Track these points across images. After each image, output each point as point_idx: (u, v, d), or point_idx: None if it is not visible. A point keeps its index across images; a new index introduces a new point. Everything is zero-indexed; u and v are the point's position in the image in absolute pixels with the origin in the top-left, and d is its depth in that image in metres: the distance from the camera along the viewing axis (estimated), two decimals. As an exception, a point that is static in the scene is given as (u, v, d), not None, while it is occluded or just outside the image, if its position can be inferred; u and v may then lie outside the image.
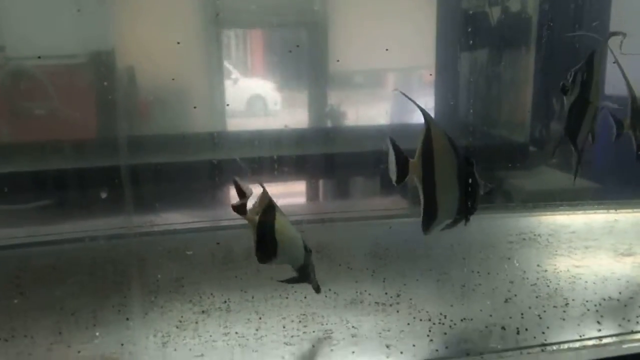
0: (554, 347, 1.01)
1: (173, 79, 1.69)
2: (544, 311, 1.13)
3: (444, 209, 1.03)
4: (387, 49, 1.72)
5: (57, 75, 1.64)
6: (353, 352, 0.99)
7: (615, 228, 1.63)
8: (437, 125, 0.98)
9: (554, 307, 1.15)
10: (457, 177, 1.01)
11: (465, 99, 1.95)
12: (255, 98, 1.91)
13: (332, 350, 1.00)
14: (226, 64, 1.81)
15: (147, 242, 1.55)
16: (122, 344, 1.02)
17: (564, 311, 1.13)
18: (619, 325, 1.08)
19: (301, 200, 1.96)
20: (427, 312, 1.13)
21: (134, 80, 1.70)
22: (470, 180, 1.02)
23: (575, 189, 1.80)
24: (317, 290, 1.06)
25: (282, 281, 1.05)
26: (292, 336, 1.04)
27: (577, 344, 1.02)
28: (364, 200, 2.00)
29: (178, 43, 1.56)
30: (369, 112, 2.00)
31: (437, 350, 1.00)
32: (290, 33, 1.89)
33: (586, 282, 1.27)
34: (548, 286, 1.25)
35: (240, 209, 0.92)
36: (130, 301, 1.20)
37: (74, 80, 1.68)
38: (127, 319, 1.12)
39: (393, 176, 1.00)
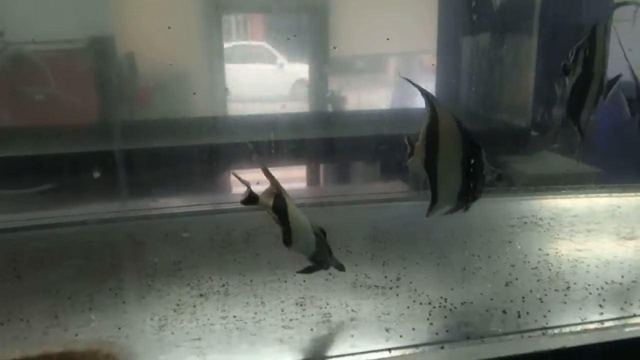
0: (556, 331, 0.99)
1: (171, 64, 1.67)
2: (546, 295, 1.12)
3: (445, 194, 1.01)
4: (387, 39, 1.71)
5: (56, 60, 1.63)
6: (352, 336, 0.98)
7: (618, 212, 1.62)
8: (444, 109, 0.96)
9: (556, 290, 1.14)
10: (462, 162, 0.99)
11: (467, 83, 1.93)
12: (256, 82, 1.90)
13: (330, 333, 0.99)
14: (226, 48, 1.79)
15: (145, 225, 1.54)
16: (119, 328, 1.01)
17: (566, 295, 1.12)
18: (621, 309, 1.07)
19: (301, 184, 1.95)
20: (427, 295, 1.12)
21: (133, 65, 1.68)
22: (476, 166, 1.00)
23: (578, 173, 1.79)
24: (341, 268, 1.05)
25: (299, 272, 1.03)
26: (290, 320, 1.03)
27: (579, 328, 1.00)
28: (363, 184, 1.99)
29: (169, 28, 1.54)
30: (370, 97, 1.98)
31: (437, 334, 0.99)
32: (291, 18, 1.87)
33: (588, 265, 1.26)
34: (549, 270, 1.23)
35: (250, 200, 0.91)
36: (127, 285, 1.19)
37: (72, 65, 1.66)
38: (124, 302, 1.11)
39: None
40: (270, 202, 0.92)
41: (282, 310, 1.07)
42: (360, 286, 1.16)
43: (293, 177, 1.93)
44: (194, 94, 1.77)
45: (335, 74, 1.90)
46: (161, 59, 1.67)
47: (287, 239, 0.94)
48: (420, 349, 0.95)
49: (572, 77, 1.10)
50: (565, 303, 1.09)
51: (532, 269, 1.24)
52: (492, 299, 1.11)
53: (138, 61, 1.68)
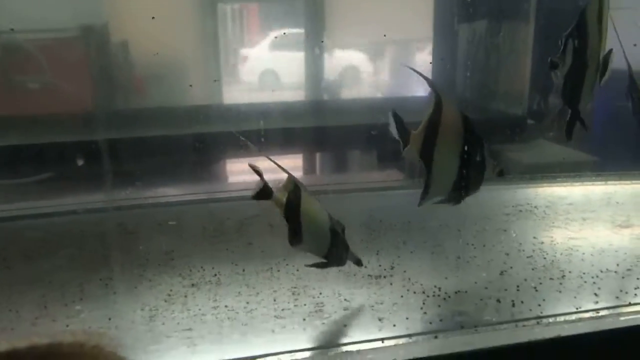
0: (550, 320, 0.99)
1: (157, 54, 1.65)
2: (540, 283, 1.11)
3: (438, 184, 1.00)
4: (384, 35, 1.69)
5: (49, 49, 1.61)
6: (345, 326, 0.98)
7: (614, 200, 1.61)
8: (449, 100, 0.95)
9: (550, 279, 1.13)
10: (460, 155, 0.98)
11: (462, 71, 1.92)
12: (249, 71, 1.88)
13: (323, 323, 0.98)
14: (220, 38, 1.78)
15: (138, 215, 1.53)
16: (109, 318, 1.00)
17: (561, 283, 1.11)
18: (616, 297, 1.06)
19: (297, 173, 1.94)
20: (421, 284, 1.11)
21: (127, 54, 1.67)
22: (476, 160, 0.99)
23: (574, 161, 1.78)
24: (359, 263, 1.05)
25: (308, 266, 1.03)
26: (282, 309, 1.02)
27: (574, 317, 1.00)
28: (359, 173, 1.98)
29: (152, 18, 1.52)
30: (365, 85, 1.97)
31: (430, 323, 0.98)
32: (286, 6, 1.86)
33: (583, 254, 1.25)
34: (544, 258, 1.23)
35: (262, 194, 0.89)
36: (119, 275, 1.18)
37: (64, 54, 1.65)
38: (115, 292, 1.10)
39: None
40: (284, 199, 0.91)
41: (275, 300, 1.06)
42: (354, 275, 1.14)
43: (288, 165, 1.92)
44: (190, 85, 1.76)
45: (330, 62, 1.88)
46: (158, 49, 1.65)
47: (293, 238, 0.93)
48: (414, 338, 0.94)
49: (563, 69, 1.05)
50: (560, 292, 1.08)
51: (527, 257, 1.23)
52: (486, 288, 1.10)
53: (132, 49, 1.67)
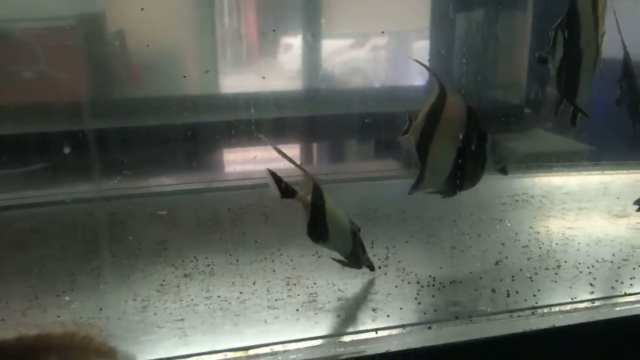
0: (545, 310, 0.98)
1: (147, 45, 1.63)
2: (536, 273, 1.11)
3: (432, 175, 0.99)
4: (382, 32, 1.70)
5: (45, 38, 1.59)
6: (338, 316, 0.97)
7: (610, 189, 1.60)
8: (455, 93, 0.94)
9: (546, 269, 1.12)
10: (458, 149, 0.97)
11: (459, 60, 1.90)
12: (246, 61, 1.86)
13: (316, 314, 0.97)
14: (217, 28, 1.76)
15: (131, 204, 1.51)
16: (100, 309, 0.99)
17: (556, 273, 1.11)
18: (612, 287, 1.06)
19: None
20: (416, 274, 1.10)
21: (124, 43, 1.65)
22: (476, 156, 0.98)
23: (571, 150, 1.77)
24: (372, 268, 1.06)
25: (335, 259, 1.03)
26: (276, 300, 1.02)
27: (569, 307, 0.99)
28: (354, 162, 1.97)
29: (142, 9, 1.50)
30: (360, 75, 1.95)
31: (425, 313, 0.97)
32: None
33: (579, 244, 1.24)
34: (540, 248, 1.22)
35: (286, 192, 0.90)
36: (111, 265, 1.17)
37: (62, 43, 1.63)
38: (106, 282, 1.09)
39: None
40: (308, 198, 0.92)
41: (268, 291, 1.05)
42: (349, 265, 1.14)
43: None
44: (184, 76, 1.74)
45: (326, 52, 1.87)
46: (156, 39, 1.63)
47: (314, 233, 0.94)
48: (408, 329, 0.93)
49: (555, 62, 1.02)
50: (555, 282, 1.08)
51: (523, 247, 1.23)
52: (481, 278, 1.09)
53: (129, 39, 1.65)
